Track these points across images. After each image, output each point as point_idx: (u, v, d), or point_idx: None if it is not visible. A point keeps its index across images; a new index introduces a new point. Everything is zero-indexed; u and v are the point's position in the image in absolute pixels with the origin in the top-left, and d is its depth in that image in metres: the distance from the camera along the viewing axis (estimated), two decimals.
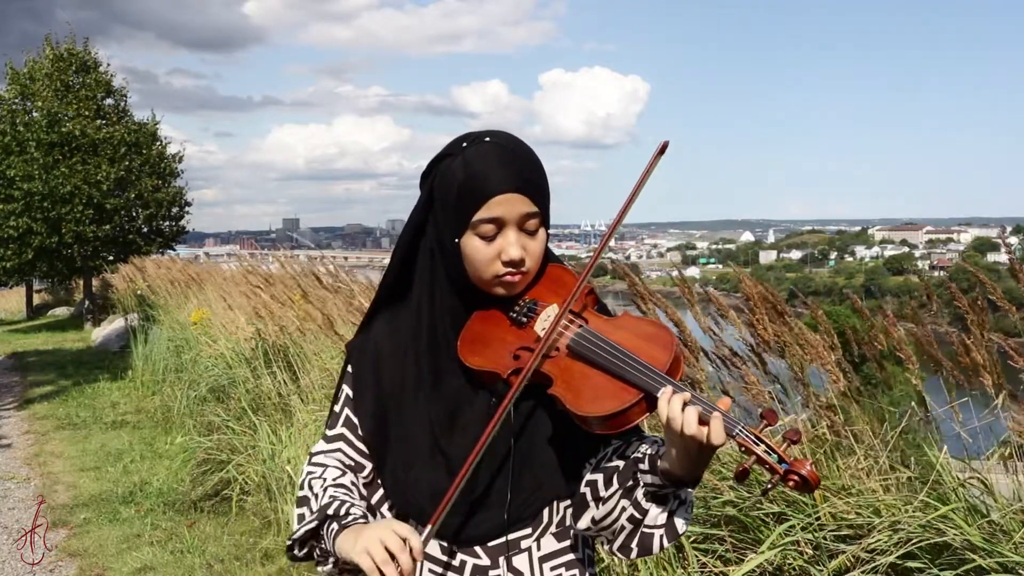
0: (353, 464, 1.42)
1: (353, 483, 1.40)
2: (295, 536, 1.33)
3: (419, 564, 1.23)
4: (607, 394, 1.22)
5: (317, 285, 6.72)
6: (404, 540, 1.20)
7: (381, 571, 1.18)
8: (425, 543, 1.22)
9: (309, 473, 1.41)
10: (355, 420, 1.42)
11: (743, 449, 1.16)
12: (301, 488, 1.41)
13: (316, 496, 1.36)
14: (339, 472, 1.40)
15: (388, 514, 1.41)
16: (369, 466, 1.42)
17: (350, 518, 1.29)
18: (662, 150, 1.35)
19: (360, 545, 1.21)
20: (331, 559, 1.30)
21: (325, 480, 1.39)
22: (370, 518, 1.31)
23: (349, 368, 1.45)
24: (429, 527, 1.24)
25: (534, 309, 1.35)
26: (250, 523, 4.78)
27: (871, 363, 3.18)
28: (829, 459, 3.00)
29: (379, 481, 1.42)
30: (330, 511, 1.31)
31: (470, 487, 1.31)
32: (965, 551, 2.41)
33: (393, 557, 1.19)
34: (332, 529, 1.29)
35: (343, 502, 1.33)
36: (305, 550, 1.34)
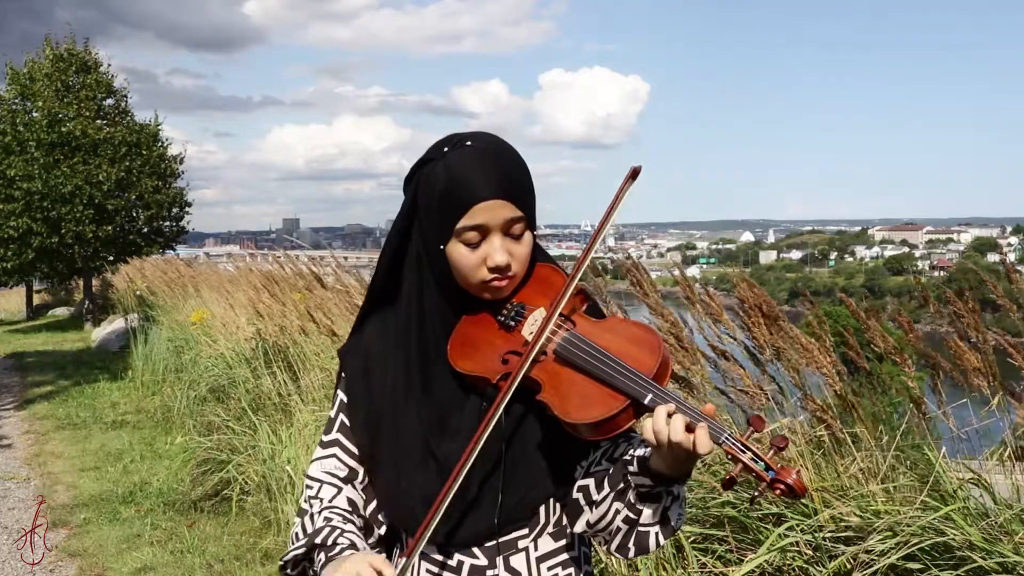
0: (347, 472, 1.42)
1: (351, 501, 1.40)
2: (286, 558, 1.34)
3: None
4: (594, 401, 1.22)
5: (317, 285, 6.73)
6: (379, 572, 1.20)
7: None
8: (401, 574, 1.23)
9: (308, 487, 1.42)
10: (349, 424, 1.42)
11: (730, 457, 1.16)
12: (304, 500, 1.42)
13: (312, 517, 1.37)
14: (334, 491, 1.40)
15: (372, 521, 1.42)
16: (363, 470, 1.42)
17: (336, 548, 1.29)
18: (633, 175, 1.31)
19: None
20: None
21: (322, 500, 1.39)
22: (358, 544, 1.31)
23: (343, 373, 1.45)
24: (405, 559, 1.25)
25: (522, 313, 1.34)
26: (250, 523, 4.78)
27: (871, 363, 3.18)
28: (828, 461, 3.00)
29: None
30: (318, 540, 1.31)
31: (462, 489, 1.31)
32: (965, 551, 2.41)
33: None
34: (320, 559, 1.29)
35: (332, 529, 1.33)
36: (298, 570, 1.34)
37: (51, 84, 17.38)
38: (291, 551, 1.33)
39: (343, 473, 1.41)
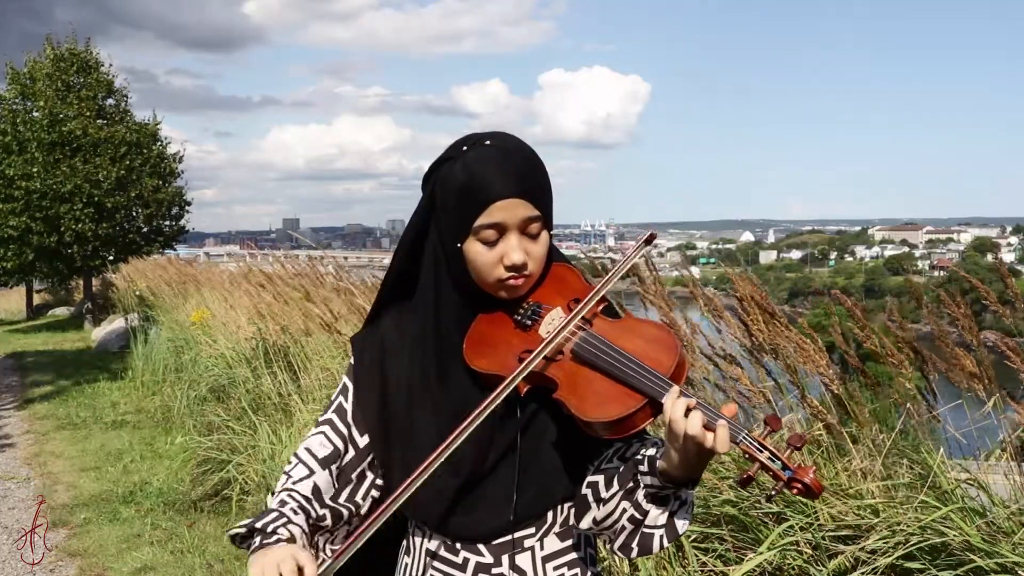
0: (330, 451, 1.41)
1: (315, 488, 1.38)
2: (231, 533, 1.33)
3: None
4: (611, 399, 1.23)
5: (319, 284, 6.73)
6: (300, 569, 1.19)
7: None
8: (324, 574, 1.22)
9: (288, 463, 1.42)
10: (347, 407, 1.43)
11: (747, 456, 1.17)
12: (282, 474, 1.42)
13: (273, 493, 1.37)
14: (304, 473, 1.39)
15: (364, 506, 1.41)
16: (351, 453, 1.41)
17: (273, 538, 1.27)
18: (648, 240, 1.41)
19: (257, 565, 1.20)
20: None
21: (290, 477, 1.39)
22: (296, 538, 1.29)
23: (351, 360, 1.46)
24: (329, 562, 1.24)
25: (538, 312, 1.35)
26: None
27: (869, 363, 3.18)
28: (826, 460, 3.00)
29: (357, 475, 1.41)
30: (258, 524, 1.29)
31: (474, 486, 1.33)
32: (964, 552, 2.41)
33: None
34: (253, 544, 1.28)
35: (280, 516, 1.31)
36: (244, 545, 1.32)
37: (52, 84, 17.38)
38: (235, 529, 1.32)
39: (325, 452, 1.41)
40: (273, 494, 1.37)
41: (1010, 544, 2.41)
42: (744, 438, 1.16)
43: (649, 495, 1.25)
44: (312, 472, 1.39)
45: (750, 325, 3.20)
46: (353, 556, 1.36)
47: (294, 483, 1.38)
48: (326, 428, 1.43)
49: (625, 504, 1.26)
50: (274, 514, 1.31)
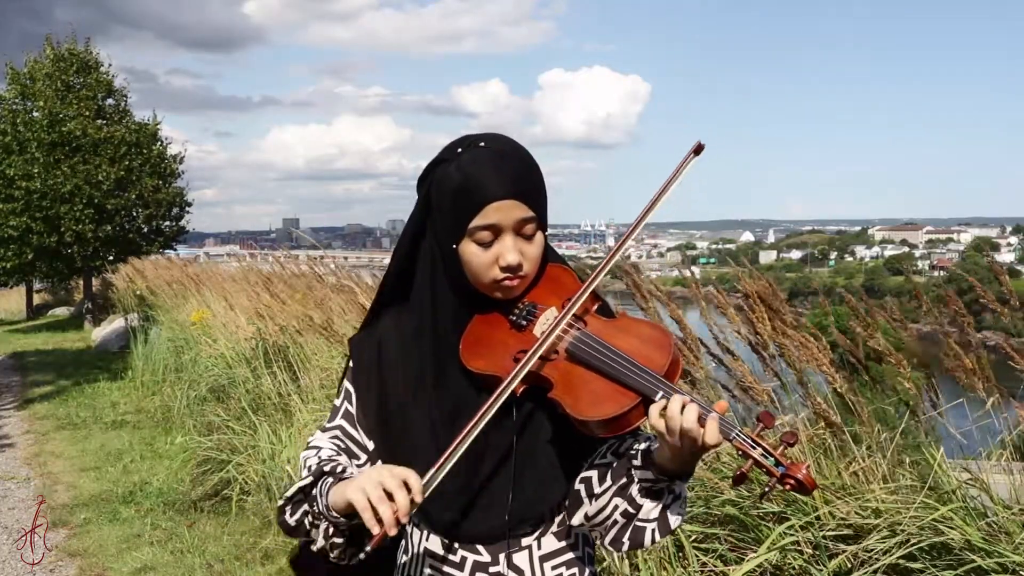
0: (347, 451, 1.42)
1: (348, 464, 1.39)
2: (288, 495, 1.31)
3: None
4: (606, 398, 1.23)
5: (318, 285, 6.73)
6: (403, 481, 1.16)
7: (375, 509, 1.14)
8: (427, 487, 1.19)
9: (305, 456, 1.41)
10: (353, 411, 1.43)
11: (740, 453, 1.17)
12: (302, 464, 1.41)
13: (311, 468, 1.36)
14: (334, 452, 1.40)
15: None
16: (364, 456, 1.42)
17: (346, 473, 1.27)
18: (697, 150, 1.36)
19: (355, 484, 1.17)
20: (323, 523, 1.27)
21: (321, 458, 1.39)
22: None
23: (350, 363, 1.46)
24: (432, 471, 1.21)
25: (533, 312, 1.36)
26: (250, 523, 4.78)
27: (870, 363, 3.18)
28: (828, 459, 3.00)
29: None
30: (326, 468, 1.30)
31: (472, 486, 1.33)
32: (965, 551, 2.41)
33: (391, 497, 1.15)
34: (327, 482, 1.26)
35: (340, 464, 1.32)
36: (296, 516, 1.31)
37: (52, 84, 17.37)
38: (295, 486, 1.31)
39: (344, 448, 1.42)
40: (309, 469, 1.35)
41: (1010, 544, 2.41)
42: (737, 434, 1.17)
43: (643, 489, 1.25)
44: (340, 454, 1.40)
45: (755, 323, 3.20)
46: (352, 557, 1.35)
47: (330, 456, 1.38)
48: (339, 433, 1.43)
49: (618, 500, 1.27)
50: (333, 462, 1.32)
